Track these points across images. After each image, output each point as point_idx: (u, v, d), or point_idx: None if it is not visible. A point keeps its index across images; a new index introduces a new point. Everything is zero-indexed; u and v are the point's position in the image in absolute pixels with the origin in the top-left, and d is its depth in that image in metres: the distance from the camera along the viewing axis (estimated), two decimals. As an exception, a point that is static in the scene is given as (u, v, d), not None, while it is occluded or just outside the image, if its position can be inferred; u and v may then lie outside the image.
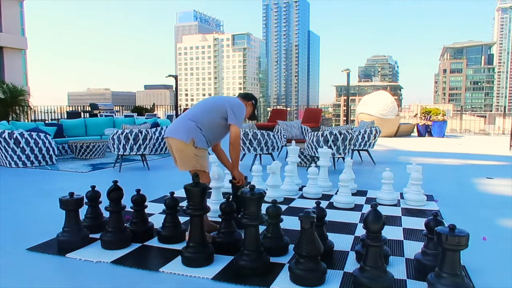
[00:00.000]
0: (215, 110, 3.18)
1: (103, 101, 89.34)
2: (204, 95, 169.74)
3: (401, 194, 4.56)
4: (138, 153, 6.59)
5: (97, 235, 3.03)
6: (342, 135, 6.22)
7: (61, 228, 2.97)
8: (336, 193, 4.46)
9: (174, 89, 19.72)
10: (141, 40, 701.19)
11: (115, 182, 3.05)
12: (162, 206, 3.68)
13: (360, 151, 7.67)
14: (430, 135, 13.72)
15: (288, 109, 23.60)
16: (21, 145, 6.86)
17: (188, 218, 2.81)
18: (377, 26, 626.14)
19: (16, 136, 6.82)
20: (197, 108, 3.27)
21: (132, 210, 3.16)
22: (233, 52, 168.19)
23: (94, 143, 7.94)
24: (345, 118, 18.76)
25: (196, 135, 3.07)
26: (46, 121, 13.50)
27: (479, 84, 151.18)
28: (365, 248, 2.28)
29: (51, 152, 7.18)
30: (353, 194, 4.46)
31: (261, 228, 2.78)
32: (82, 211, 3.15)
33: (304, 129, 8.46)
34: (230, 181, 3.41)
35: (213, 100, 3.36)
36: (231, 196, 3.10)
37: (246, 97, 3.45)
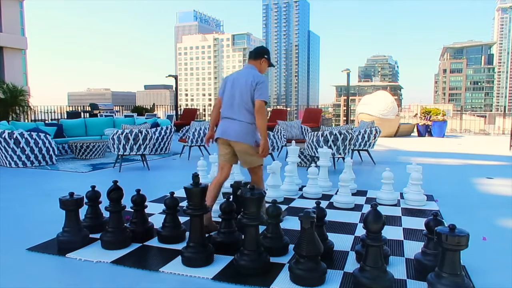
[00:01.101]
0: (251, 101, 3.32)
1: (103, 101, 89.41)
2: (204, 95, 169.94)
3: (401, 194, 4.56)
4: (138, 153, 6.59)
5: (97, 235, 3.03)
6: (342, 135, 6.22)
7: (61, 228, 2.97)
8: (336, 193, 4.46)
9: (174, 89, 19.72)
10: (141, 40, 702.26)
11: (115, 182, 3.05)
12: (162, 206, 3.67)
13: (360, 151, 7.66)
14: (430, 135, 13.72)
15: (288, 109, 23.58)
16: (21, 145, 6.86)
17: (188, 218, 2.81)
18: (377, 26, 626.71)
19: (16, 136, 6.82)
20: (242, 106, 3.32)
21: (132, 210, 3.16)
22: (233, 52, 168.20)
23: (94, 143, 7.94)
24: (345, 118, 18.76)
25: (257, 136, 3.39)
26: (46, 121, 13.50)
27: (479, 84, 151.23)
28: (365, 248, 2.28)
29: (51, 152, 7.17)
30: (353, 194, 4.46)
31: (261, 228, 2.78)
32: (82, 211, 3.15)
33: (304, 129, 8.46)
34: (231, 185, 3.42)
35: (243, 89, 3.33)
36: (231, 196, 3.10)
37: (257, 55, 3.50)
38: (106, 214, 3.24)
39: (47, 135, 7.19)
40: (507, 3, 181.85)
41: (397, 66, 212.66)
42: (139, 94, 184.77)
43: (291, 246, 2.81)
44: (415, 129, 14.19)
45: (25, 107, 13.81)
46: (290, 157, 4.84)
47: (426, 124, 13.76)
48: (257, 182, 3.41)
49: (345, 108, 18.24)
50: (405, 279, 2.43)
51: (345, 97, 18.46)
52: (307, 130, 8.37)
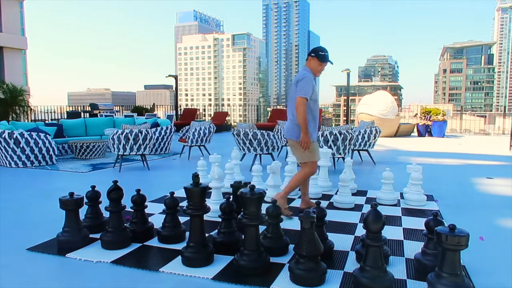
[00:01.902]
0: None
1: (103, 101, 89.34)
2: (204, 95, 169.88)
3: (401, 194, 4.56)
4: (138, 153, 6.59)
5: (97, 235, 3.04)
6: (342, 135, 6.22)
7: (61, 228, 2.97)
8: (336, 193, 4.46)
9: (174, 89, 19.72)
10: (141, 40, 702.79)
11: (115, 182, 3.05)
12: (162, 206, 3.68)
13: (360, 151, 7.66)
14: (430, 135, 13.72)
15: (288, 109, 23.54)
16: (21, 145, 6.86)
17: (188, 218, 2.81)
18: (377, 26, 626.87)
19: (16, 136, 6.82)
20: (292, 106, 3.67)
21: (132, 210, 3.16)
22: (233, 52, 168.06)
23: (94, 143, 7.94)
24: (345, 118, 18.76)
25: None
26: (46, 121, 13.49)
27: (479, 84, 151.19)
28: (365, 248, 2.28)
29: (51, 152, 7.17)
30: (353, 194, 4.46)
31: (261, 228, 2.78)
32: (82, 211, 3.15)
33: (304, 129, 8.45)
34: (231, 185, 3.42)
35: (292, 89, 3.69)
36: (231, 196, 3.10)
37: (308, 55, 3.74)
38: (106, 214, 3.24)
39: (47, 135, 7.19)
40: (507, 3, 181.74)
41: (397, 66, 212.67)
42: (139, 94, 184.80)
43: (291, 246, 2.81)
44: (415, 129, 14.19)
45: (25, 107, 13.81)
46: (290, 157, 4.83)
47: (426, 124, 13.76)
48: (295, 178, 3.82)
49: (345, 108, 18.23)
50: (405, 279, 2.43)
51: (345, 97, 18.46)
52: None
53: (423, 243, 2.67)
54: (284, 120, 12.34)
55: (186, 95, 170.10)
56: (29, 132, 7.00)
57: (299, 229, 2.36)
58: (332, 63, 3.77)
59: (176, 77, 18.87)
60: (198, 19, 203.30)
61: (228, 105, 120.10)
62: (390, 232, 3.21)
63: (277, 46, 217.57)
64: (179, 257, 2.68)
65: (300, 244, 2.33)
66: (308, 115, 3.61)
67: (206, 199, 2.77)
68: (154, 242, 3.05)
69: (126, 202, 3.09)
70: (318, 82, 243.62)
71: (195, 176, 2.67)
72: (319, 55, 3.66)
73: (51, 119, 15.41)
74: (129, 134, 6.47)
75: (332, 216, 3.70)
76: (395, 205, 4.22)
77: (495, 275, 2.52)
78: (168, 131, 8.73)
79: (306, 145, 3.60)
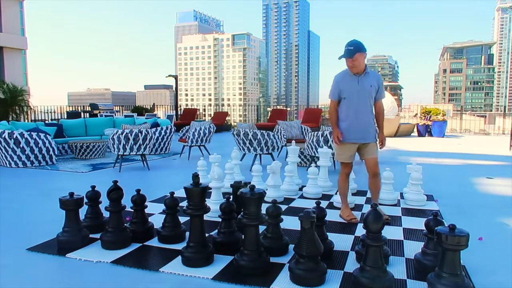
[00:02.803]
0: None
1: (103, 101, 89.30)
2: (204, 95, 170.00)
3: (401, 194, 4.56)
4: (138, 153, 6.59)
5: (97, 235, 3.04)
6: (342, 135, 6.21)
7: (61, 228, 2.97)
8: (336, 193, 4.45)
9: (174, 89, 19.72)
10: (141, 40, 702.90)
11: (115, 182, 3.05)
12: (162, 206, 3.68)
13: (360, 151, 7.65)
14: (430, 135, 13.71)
15: (288, 109, 23.56)
16: (21, 145, 6.86)
17: (188, 218, 2.81)
18: (377, 26, 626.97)
19: (16, 136, 6.82)
20: None
21: (132, 210, 3.16)
22: (233, 52, 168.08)
23: (94, 143, 7.94)
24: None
25: (341, 131, 3.63)
26: (46, 121, 13.48)
27: (479, 84, 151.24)
28: (365, 248, 2.28)
29: (51, 152, 7.17)
30: (353, 194, 4.46)
31: (261, 228, 2.78)
32: (82, 211, 3.15)
33: (304, 129, 8.46)
34: (231, 185, 3.42)
35: None
36: (231, 196, 3.10)
37: None
38: (106, 214, 3.24)
39: (47, 135, 7.19)
40: (507, 3, 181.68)
41: (397, 66, 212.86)
42: (139, 94, 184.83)
43: (291, 246, 2.81)
44: (415, 129, 14.19)
45: (25, 107, 13.82)
46: (290, 157, 4.84)
47: (426, 124, 13.76)
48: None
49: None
50: (405, 279, 2.43)
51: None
52: (307, 130, 8.37)
53: (423, 243, 2.67)
54: (283, 119, 12.37)
55: (186, 95, 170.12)
56: (29, 132, 7.00)
57: (299, 229, 2.36)
58: (346, 56, 3.46)
59: (176, 77, 18.87)
60: (198, 19, 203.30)
61: (228, 105, 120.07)
62: (390, 232, 3.21)
63: (277, 46, 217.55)
64: (179, 257, 2.68)
65: (300, 244, 2.33)
66: (341, 114, 3.63)
67: (206, 199, 2.77)
68: (154, 242, 3.05)
69: (126, 202, 3.09)
70: (318, 82, 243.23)
71: (195, 176, 2.67)
72: (344, 51, 3.48)
73: (51, 119, 15.41)
74: (129, 134, 6.46)
75: (332, 216, 3.70)
76: (395, 205, 4.22)
77: (495, 275, 2.53)
78: (168, 131, 8.73)
79: (335, 140, 3.65)
